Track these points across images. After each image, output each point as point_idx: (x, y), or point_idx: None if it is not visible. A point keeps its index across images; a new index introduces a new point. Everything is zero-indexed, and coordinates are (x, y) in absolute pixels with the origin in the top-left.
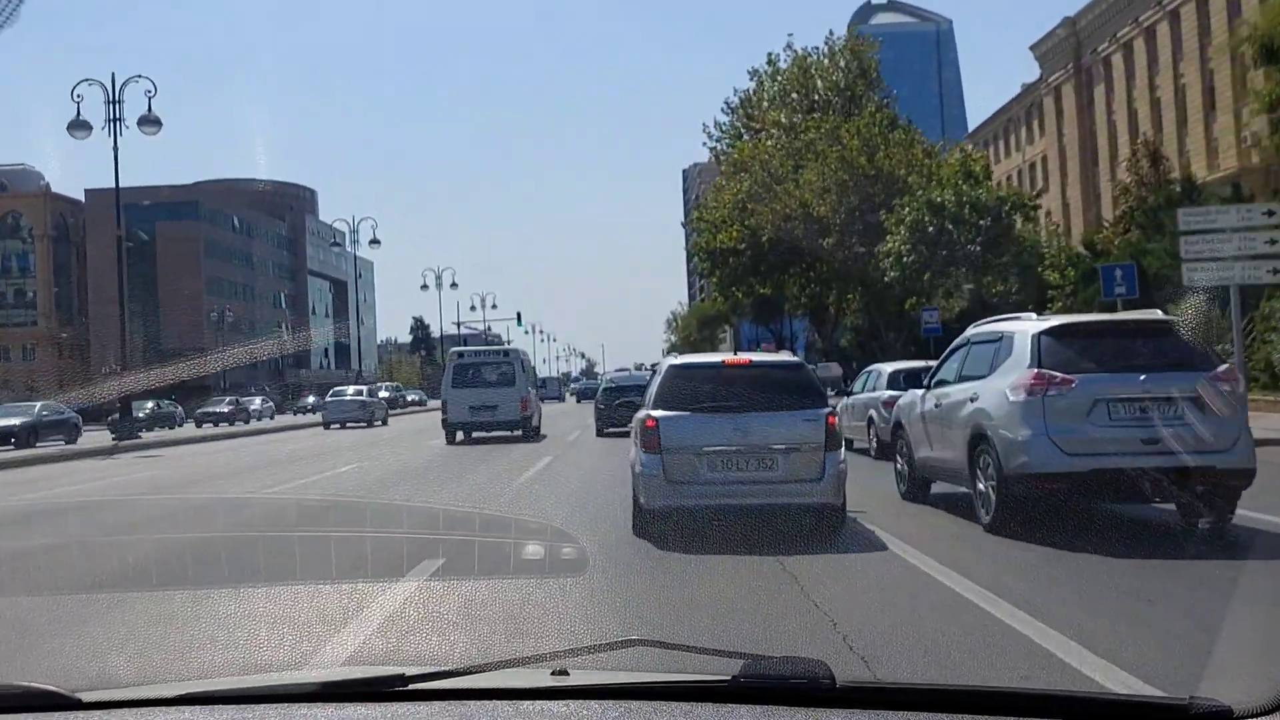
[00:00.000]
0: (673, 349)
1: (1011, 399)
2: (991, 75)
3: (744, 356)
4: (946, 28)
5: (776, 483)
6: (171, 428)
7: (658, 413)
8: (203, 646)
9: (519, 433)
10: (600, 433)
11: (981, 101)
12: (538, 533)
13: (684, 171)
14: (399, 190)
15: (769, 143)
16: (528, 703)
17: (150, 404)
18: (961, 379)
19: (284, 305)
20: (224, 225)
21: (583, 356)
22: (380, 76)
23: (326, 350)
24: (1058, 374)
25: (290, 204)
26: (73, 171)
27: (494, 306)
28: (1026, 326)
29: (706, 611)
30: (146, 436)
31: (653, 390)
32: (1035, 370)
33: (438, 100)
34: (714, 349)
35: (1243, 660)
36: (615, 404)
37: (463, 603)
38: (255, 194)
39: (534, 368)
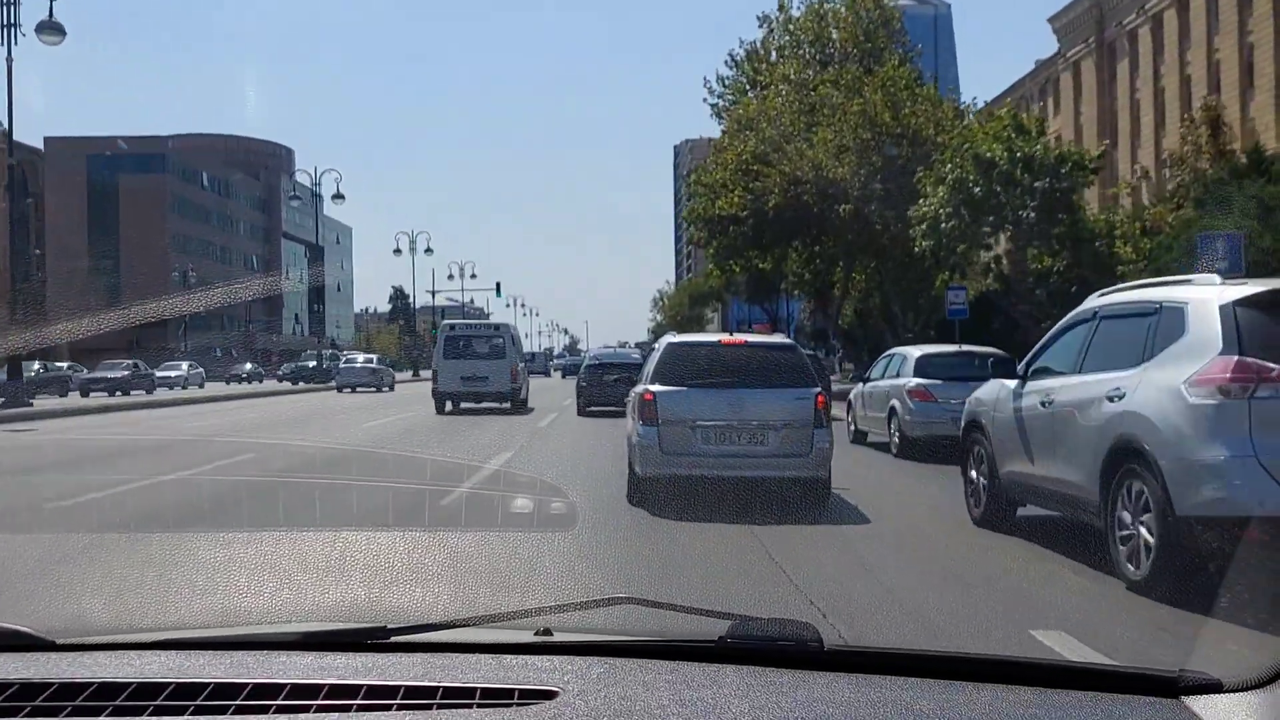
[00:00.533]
0: (658, 328)
1: (1191, 400)
2: (988, 60)
3: (739, 337)
4: (945, 12)
5: (766, 456)
6: (62, 394)
7: (656, 387)
8: (180, 592)
9: (507, 404)
10: (582, 411)
11: (976, 88)
12: (527, 486)
13: (675, 148)
14: (380, 159)
15: (778, 99)
16: (511, 657)
17: (36, 365)
18: (1087, 367)
19: (256, 268)
20: (193, 181)
21: (565, 332)
22: (366, 41)
23: (297, 316)
24: (1272, 365)
25: (265, 162)
26: (34, 116)
27: (473, 276)
28: (1207, 293)
29: (695, 572)
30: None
31: (651, 366)
32: (1234, 358)
33: (425, 69)
34: (701, 329)
35: (1234, 638)
36: (599, 381)
37: (448, 555)
38: (229, 150)
39: (522, 343)
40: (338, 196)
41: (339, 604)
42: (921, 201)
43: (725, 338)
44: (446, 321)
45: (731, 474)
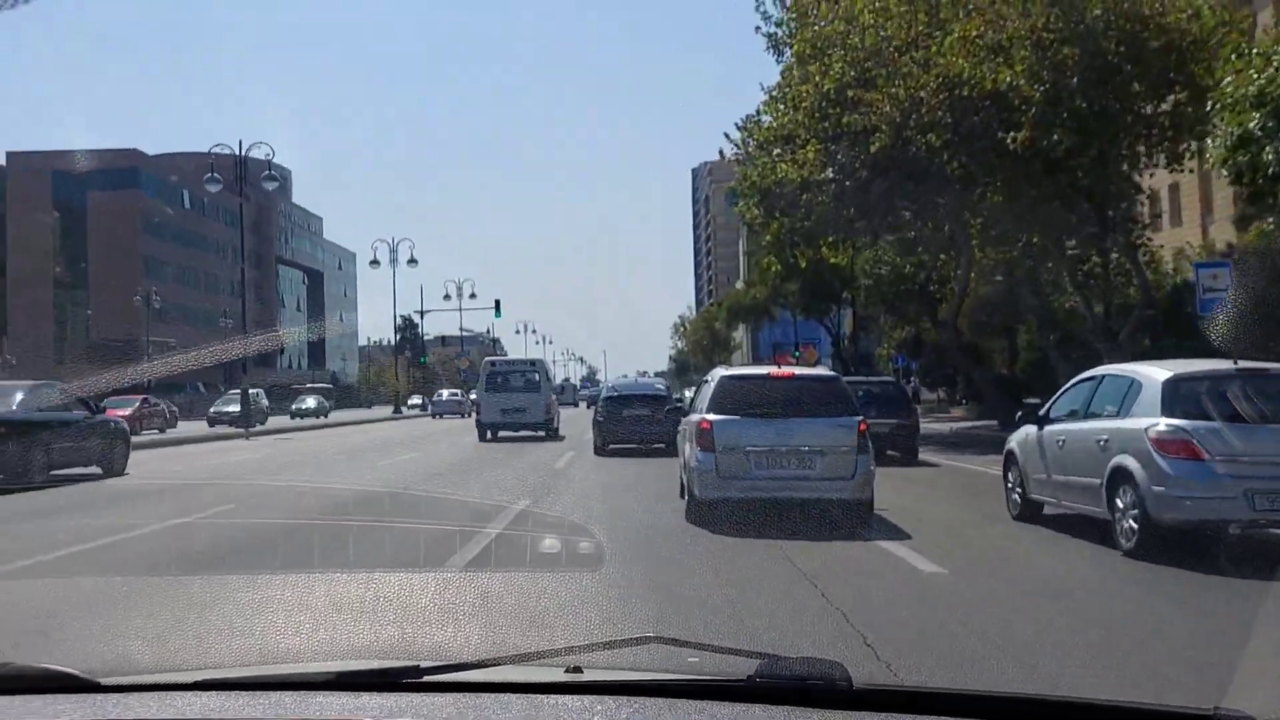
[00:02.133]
0: (680, 355)
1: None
2: None
3: (787, 370)
4: None
5: (814, 480)
6: None
7: (712, 416)
8: (220, 633)
9: (543, 434)
10: (601, 450)
11: None
12: (554, 526)
13: (693, 170)
14: (388, 186)
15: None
16: (541, 697)
17: None
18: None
19: (246, 295)
20: (171, 198)
21: (581, 361)
22: (371, 64)
23: (282, 349)
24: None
25: (256, 182)
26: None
27: (473, 295)
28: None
29: (724, 610)
30: None
31: (706, 397)
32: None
33: (433, 92)
34: (727, 356)
35: (1268, 674)
36: (619, 416)
37: (478, 595)
38: (217, 169)
39: (553, 377)
40: (315, 219)
41: (373, 644)
42: (1216, 127)
43: (774, 370)
44: (488, 359)
45: (782, 495)
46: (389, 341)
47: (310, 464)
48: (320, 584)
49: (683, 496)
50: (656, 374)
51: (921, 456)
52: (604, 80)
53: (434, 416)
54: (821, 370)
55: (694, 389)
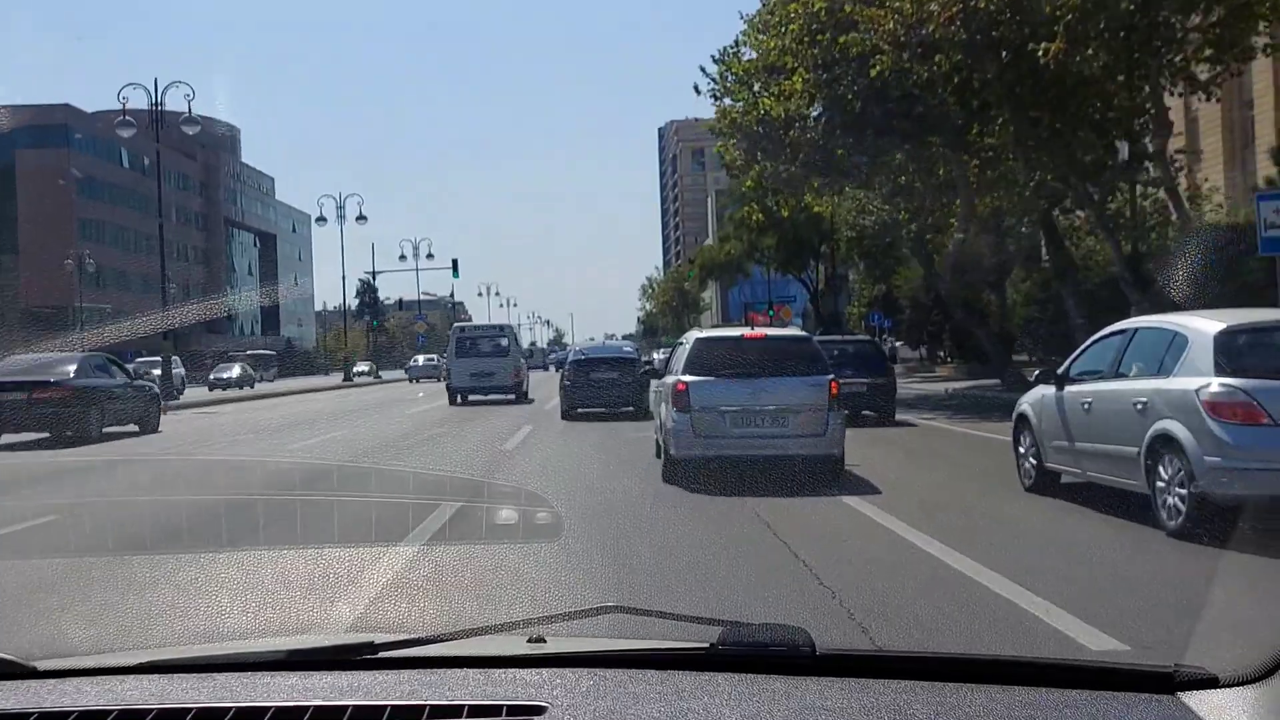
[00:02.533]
0: (649, 318)
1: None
2: None
3: (760, 331)
4: None
5: (787, 437)
6: None
7: (688, 377)
8: (163, 614)
9: (512, 397)
10: (567, 415)
11: None
12: (511, 496)
13: (659, 130)
14: (345, 147)
15: None
16: (500, 671)
17: None
18: (1122, 373)
19: (192, 259)
20: (108, 157)
21: (548, 324)
22: (324, 19)
23: (230, 315)
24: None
25: (203, 140)
26: None
27: (430, 256)
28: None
29: (686, 577)
30: None
31: (682, 359)
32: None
33: (391, 50)
34: (696, 318)
35: (1228, 631)
36: (586, 380)
37: (433, 569)
38: (169, 124)
39: (521, 341)
40: (265, 178)
41: (324, 621)
42: None
43: (748, 332)
44: (457, 325)
45: (755, 453)
46: (349, 306)
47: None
48: (268, 561)
49: (658, 457)
50: (625, 337)
51: (909, 418)
52: (568, 37)
53: (411, 381)
54: (793, 330)
55: (666, 351)
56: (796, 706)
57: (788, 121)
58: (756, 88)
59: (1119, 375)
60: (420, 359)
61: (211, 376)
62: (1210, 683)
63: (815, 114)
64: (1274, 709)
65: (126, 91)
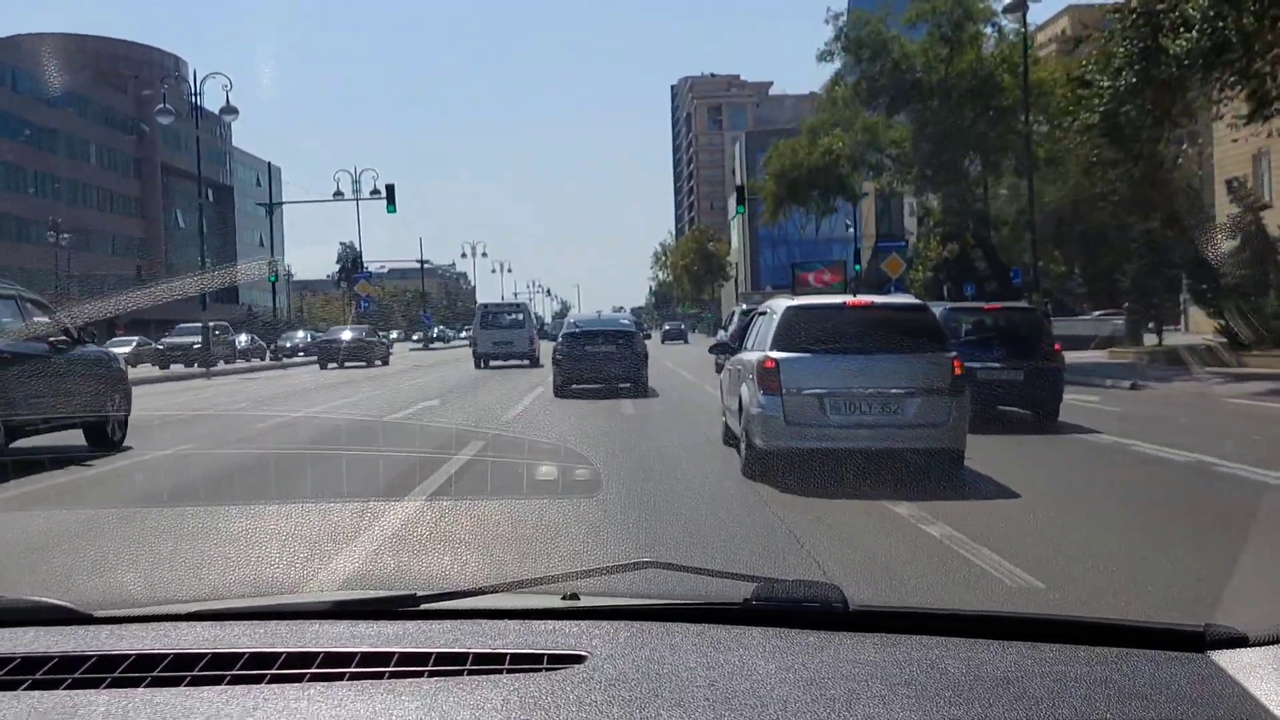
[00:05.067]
0: (663, 287)
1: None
2: None
3: (864, 298)
4: None
5: (902, 426)
6: None
7: (777, 354)
8: (214, 564)
9: (527, 362)
10: (560, 391)
11: None
12: (551, 453)
13: (672, 88)
14: (334, 101)
15: None
16: (539, 622)
17: None
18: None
19: (117, 209)
20: (3, 82)
21: (548, 293)
22: None
23: (170, 276)
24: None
25: (138, 72)
26: None
27: (375, 193)
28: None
29: (719, 535)
30: None
31: (769, 331)
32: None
33: (391, 6)
34: (712, 284)
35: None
36: (581, 353)
37: (475, 522)
38: (77, 54)
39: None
40: (228, 111)
41: (369, 573)
42: None
43: (851, 299)
44: (481, 303)
45: (863, 446)
46: (332, 276)
47: None
48: (314, 514)
49: (728, 443)
50: (633, 310)
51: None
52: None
53: (325, 365)
54: (904, 298)
55: (735, 320)
56: (830, 659)
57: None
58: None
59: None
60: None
61: (163, 344)
62: (1240, 641)
63: None
64: None
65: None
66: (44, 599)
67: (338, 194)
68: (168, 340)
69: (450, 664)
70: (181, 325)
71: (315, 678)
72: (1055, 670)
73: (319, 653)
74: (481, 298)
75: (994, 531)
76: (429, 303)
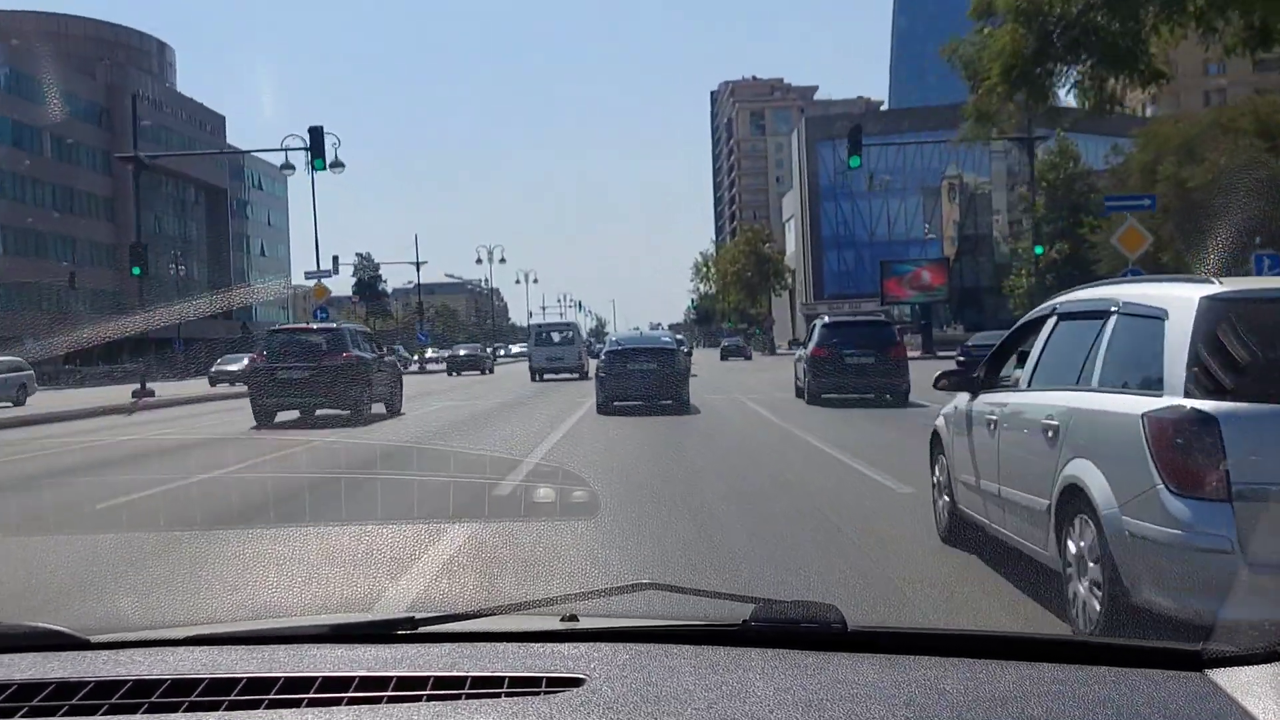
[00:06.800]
0: (704, 300)
1: None
2: None
3: None
4: None
5: None
6: None
7: (1206, 404)
8: (211, 588)
9: (577, 375)
10: (604, 409)
11: None
12: (549, 476)
13: (712, 94)
14: (365, 112)
15: None
16: (538, 645)
17: None
18: None
19: (90, 212)
20: None
21: (580, 306)
22: None
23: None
24: None
25: (111, 55)
26: None
27: (339, 165)
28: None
29: (719, 555)
30: None
31: (1164, 349)
32: None
33: (416, 5)
34: (765, 302)
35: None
36: (623, 371)
37: (474, 545)
38: (47, 35)
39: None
40: (336, 165)
41: (366, 596)
42: None
43: None
44: (535, 323)
45: None
46: (352, 299)
47: None
48: (313, 538)
49: (948, 542)
50: (671, 326)
51: None
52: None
53: (452, 373)
54: None
55: (978, 345)
56: (829, 680)
57: None
58: None
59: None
60: (462, 349)
61: (214, 369)
62: (1238, 660)
63: None
64: None
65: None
66: (40, 624)
67: (337, 164)
68: (217, 369)
69: (449, 687)
70: (229, 356)
71: (313, 702)
72: (1054, 690)
73: (317, 677)
74: (514, 314)
75: None
76: (454, 318)
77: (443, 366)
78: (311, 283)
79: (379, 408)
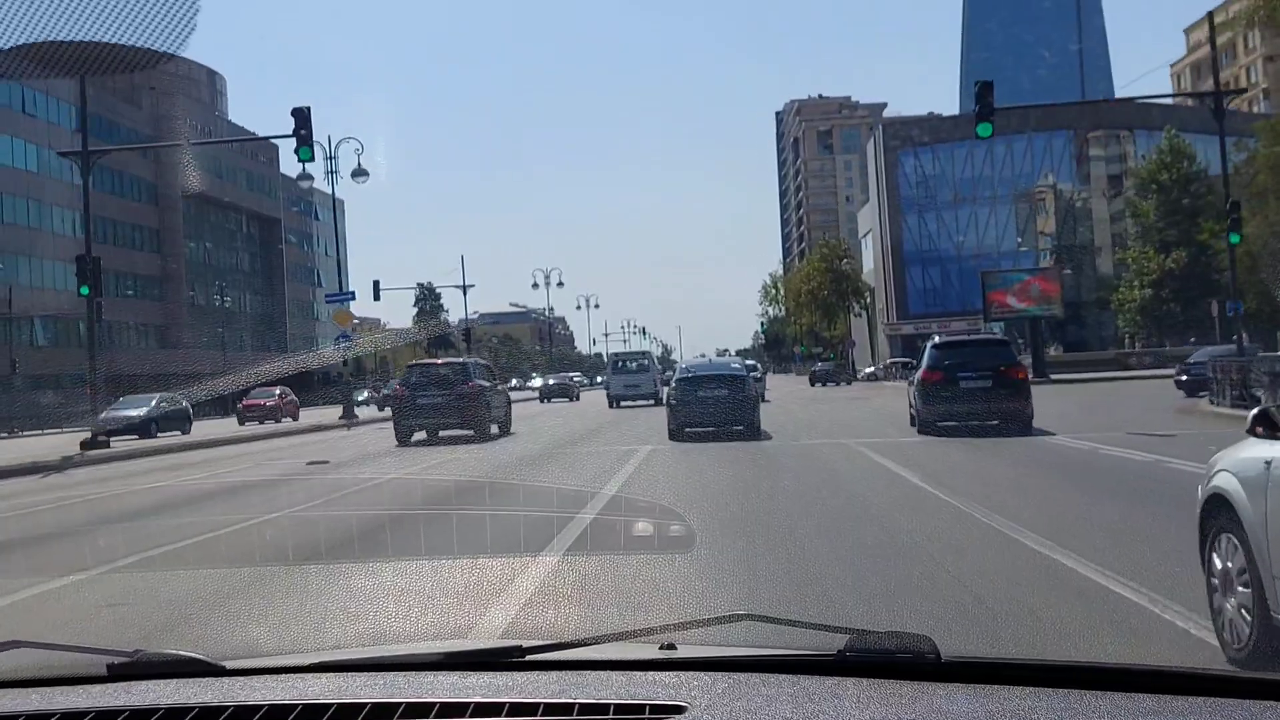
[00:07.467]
0: (774, 324)
1: None
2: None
3: None
4: None
5: None
6: None
7: None
8: (335, 618)
9: (652, 402)
10: (676, 435)
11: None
12: (646, 511)
13: (777, 114)
14: (414, 126)
15: None
16: (639, 673)
17: None
18: None
19: (134, 244)
20: None
21: (643, 332)
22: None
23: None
24: None
25: (151, 83)
26: None
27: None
28: None
29: (814, 586)
30: None
31: None
32: None
33: (481, 32)
34: (842, 324)
35: None
36: (694, 398)
37: (577, 578)
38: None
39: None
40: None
41: (475, 624)
42: None
43: None
44: (612, 353)
45: None
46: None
47: None
48: (427, 570)
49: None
50: (738, 353)
51: None
52: (671, 25)
53: (543, 400)
54: None
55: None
56: (923, 710)
57: None
58: None
59: None
60: (552, 379)
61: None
62: None
63: None
64: None
65: None
66: (180, 652)
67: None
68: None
69: (558, 713)
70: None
71: None
72: None
73: (436, 703)
74: (580, 343)
75: None
76: (516, 346)
77: (527, 394)
78: (343, 306)
79: (494, 428)
